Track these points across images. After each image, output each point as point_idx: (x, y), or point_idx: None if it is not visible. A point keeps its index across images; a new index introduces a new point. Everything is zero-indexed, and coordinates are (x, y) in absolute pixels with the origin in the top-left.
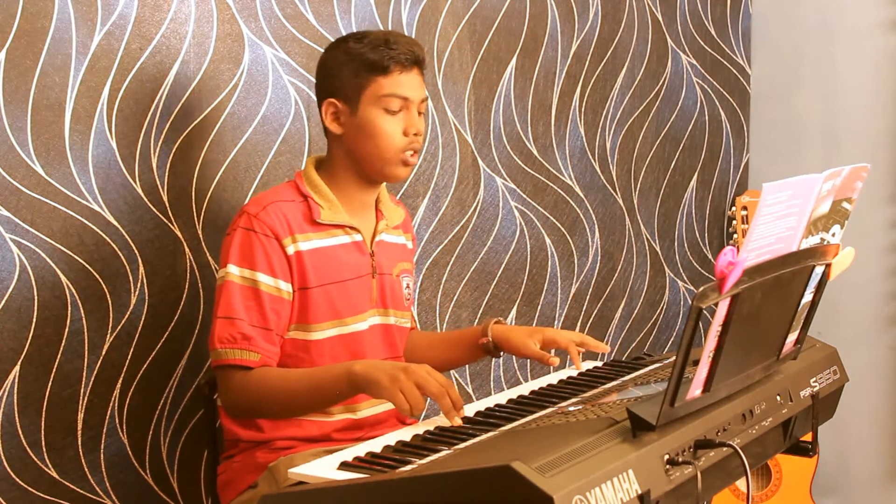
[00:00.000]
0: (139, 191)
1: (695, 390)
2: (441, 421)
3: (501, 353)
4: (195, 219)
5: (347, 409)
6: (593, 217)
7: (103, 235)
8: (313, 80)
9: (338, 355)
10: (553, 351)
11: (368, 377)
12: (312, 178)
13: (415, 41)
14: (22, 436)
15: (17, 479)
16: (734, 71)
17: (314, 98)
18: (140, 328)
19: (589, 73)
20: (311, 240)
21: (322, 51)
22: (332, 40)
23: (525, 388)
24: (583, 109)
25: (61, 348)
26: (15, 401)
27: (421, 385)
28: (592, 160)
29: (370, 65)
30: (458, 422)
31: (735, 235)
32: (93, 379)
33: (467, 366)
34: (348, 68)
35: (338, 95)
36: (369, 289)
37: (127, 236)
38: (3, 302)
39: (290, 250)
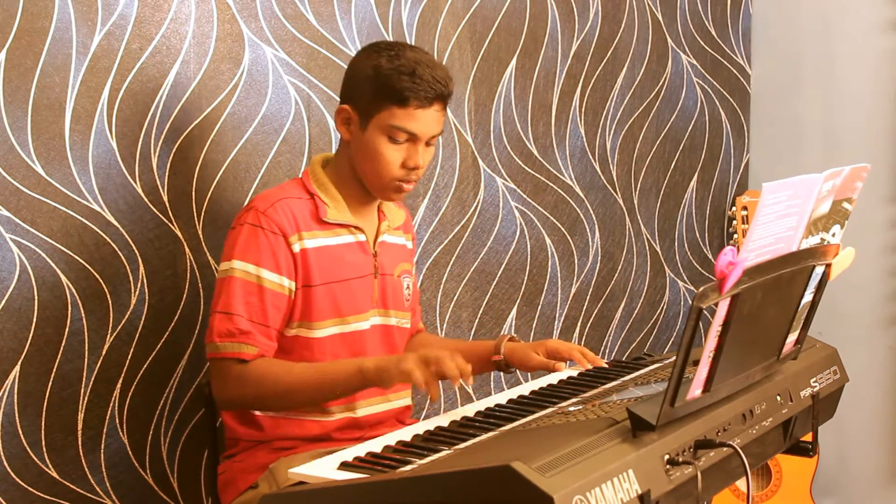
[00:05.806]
0: (139, 191)
1: (695, 390)
2: (441, 421)
3: (513, 370)
4: (195, 219)
5: (347, 408)
6: (593, 217)
7: (103, 235)
8: (313, 80)
9: (339, 354)
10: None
11: (379, 369)
12: (319, 176)
13: (444, 74)
14: (22, 436)
15: (17, 479)
16: (734, 71)
17: (314, 98)
18: (140, 328)
19: (589, 73)
20: (317, 238)
21: (322, 51)
22: (363, 48)
23: (525, 388)
24: (583, 109)
25: (61, 348)
26: (15, 401)
27: (426, 359)
28: (592, 160)
29: (390, 92)
30: (462, 382)
31: (735, 235)
32: (93, 379)
33: None
34: (370, 86)
35: (354, 105)
36: (371, 289)
37: (127, 236)
38: (3, 302)
39: (296, 248)
